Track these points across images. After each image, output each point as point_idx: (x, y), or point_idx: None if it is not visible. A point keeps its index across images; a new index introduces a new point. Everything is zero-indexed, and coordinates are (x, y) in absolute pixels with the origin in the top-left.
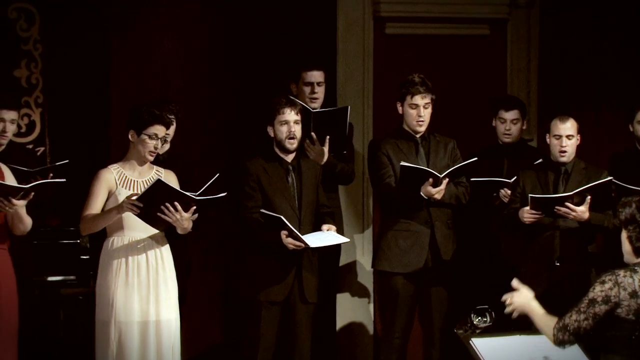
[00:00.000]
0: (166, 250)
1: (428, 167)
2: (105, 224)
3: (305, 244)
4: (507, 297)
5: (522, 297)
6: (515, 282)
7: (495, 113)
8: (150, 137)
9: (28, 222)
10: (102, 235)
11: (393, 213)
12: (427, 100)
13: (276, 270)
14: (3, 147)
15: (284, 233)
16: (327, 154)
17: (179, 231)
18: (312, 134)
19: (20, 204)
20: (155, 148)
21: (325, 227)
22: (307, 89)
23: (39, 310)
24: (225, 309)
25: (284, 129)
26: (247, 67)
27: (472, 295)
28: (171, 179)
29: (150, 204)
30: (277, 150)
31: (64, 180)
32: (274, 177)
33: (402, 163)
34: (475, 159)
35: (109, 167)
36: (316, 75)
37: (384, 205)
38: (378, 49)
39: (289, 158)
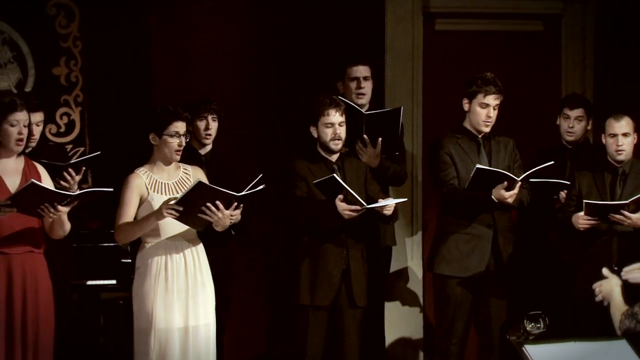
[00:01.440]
0: (202, 251)
1: (490, 168)
2: (143, 232)
3: (362, 203)
4: (597, 285)
5: (608, 284)
6: (605, 271)
7: (560, 110)
8: (171, 135)
9: (68, 226)
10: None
11: (454, 215)
12: (498, 101)
13: (322, 273)
14: (30, 148)
15: (339, 198)
16: (380, 156)
17: (218, 228)
18: (365, 136)
19: (64, 211)
20: (180, 146)
21: (381, 200)
22: (353, 85)
23: (78, 315)
24: (270, 314)
25: (329, 131)
26: (293, 63)
27: (528, 300)
28: (200, 175)
29: (190, 205)
30: (320, 150)
31: (112, 190)
32: (319, 178)
33: (478, 166)
34: (552, 162)
35: (137, 171)
36: (362, 70)
37: (445, 207)
38: (427, 46)
39: (334, 158)
